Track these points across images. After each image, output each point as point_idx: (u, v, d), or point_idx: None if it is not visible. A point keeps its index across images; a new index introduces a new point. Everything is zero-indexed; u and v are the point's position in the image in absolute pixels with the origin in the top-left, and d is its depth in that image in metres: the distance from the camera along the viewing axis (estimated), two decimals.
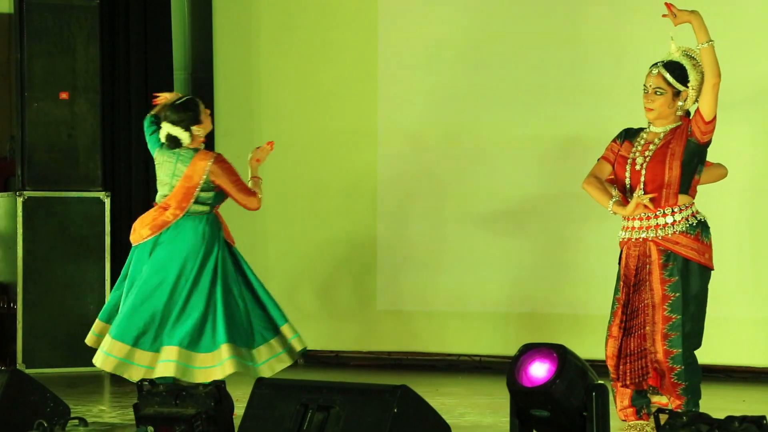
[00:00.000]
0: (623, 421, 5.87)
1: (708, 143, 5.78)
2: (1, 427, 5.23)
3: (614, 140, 5.94)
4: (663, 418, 4.37)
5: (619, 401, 5.86)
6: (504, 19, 9.15)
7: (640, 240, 5.78)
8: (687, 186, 5.77)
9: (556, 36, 8.92)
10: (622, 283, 5.84)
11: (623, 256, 5.85)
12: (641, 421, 5.84)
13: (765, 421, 4.20)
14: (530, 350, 4.90)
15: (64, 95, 9.47)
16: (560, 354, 4.81)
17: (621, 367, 5.79)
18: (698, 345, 5.80)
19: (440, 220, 9.39)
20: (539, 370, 4.82)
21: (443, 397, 7.82)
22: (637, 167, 5.78)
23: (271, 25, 10.03)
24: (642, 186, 5.75)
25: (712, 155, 5.96)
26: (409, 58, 9.44)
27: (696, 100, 5.76)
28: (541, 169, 9.05)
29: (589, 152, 8.84)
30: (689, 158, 5.75)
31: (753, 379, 8.44)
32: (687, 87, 5.76)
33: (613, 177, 5.92)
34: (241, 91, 10.14)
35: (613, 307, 5.88)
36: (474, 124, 9.24)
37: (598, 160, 5.94)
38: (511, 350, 5.03)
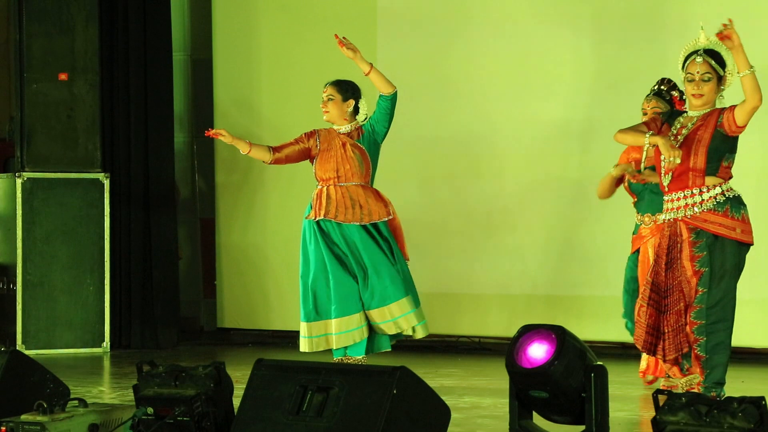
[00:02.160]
0: (668, 379, 6.32)
1: (737, 136, 6.02)
2: (1, 407, 5.23)
3: (658, 116, 6.20)
4: (662, 399, 4.37)
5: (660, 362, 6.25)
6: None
7: (671, 220, 6.03)
8: (714, 169, 5.99)
9: (573, 22, 8.91)
10: (654, 263, 6.09)
11: (657, 238, 6.14)
12: (690, 376, 6.08)
13: (764, 402, 4.21)
14: (529, 331, 4.90)
15: (63, 76, 9.45)
16: (559, 335, 4.81)
17: (659, 344, 6.04)
18: (725, 319, 5.95)
19: (439, 203, 9.39)
20: (538, 352, 4.82)
21: (443, 379, 7.83)
22: None
23: (270, 6, 10.01)
24: (670, 171, 6.00)
25: None
26: (409, 38, 9.44)
27: (729, 84, 6.02)
28: (543, 153, 9.05)
29: (590, 135, 8.88)
30: (716, 146, 5.98)
31: (753, 360, 8.44)
32: (725, 72, 6.03)
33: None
34: (240, 73, 10.12)
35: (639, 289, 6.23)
36: (478, 110, 9.25)
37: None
38: (510, 332, 5.04)
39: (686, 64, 6.06)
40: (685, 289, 6.01)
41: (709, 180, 5.99)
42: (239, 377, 5.59)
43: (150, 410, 5.07)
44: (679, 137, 6.04)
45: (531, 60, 9.03)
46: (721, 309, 5.95)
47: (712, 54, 6.04)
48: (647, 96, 7.02)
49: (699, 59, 6.03)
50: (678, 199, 6.03)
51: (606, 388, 4.79)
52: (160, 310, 9.80)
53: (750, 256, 6.08)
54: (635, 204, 7.16)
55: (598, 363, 4.86)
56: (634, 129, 6.13)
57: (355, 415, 4.61)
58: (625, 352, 8.75)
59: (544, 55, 8.98)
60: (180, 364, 5.20)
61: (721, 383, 5.97)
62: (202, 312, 10.58)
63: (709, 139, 5.98)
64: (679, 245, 6.03)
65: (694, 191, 6.00)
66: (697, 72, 6.03)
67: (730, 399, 4.27)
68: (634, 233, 7.19)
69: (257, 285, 10.08)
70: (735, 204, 6.00)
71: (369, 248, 7.39)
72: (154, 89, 9.86)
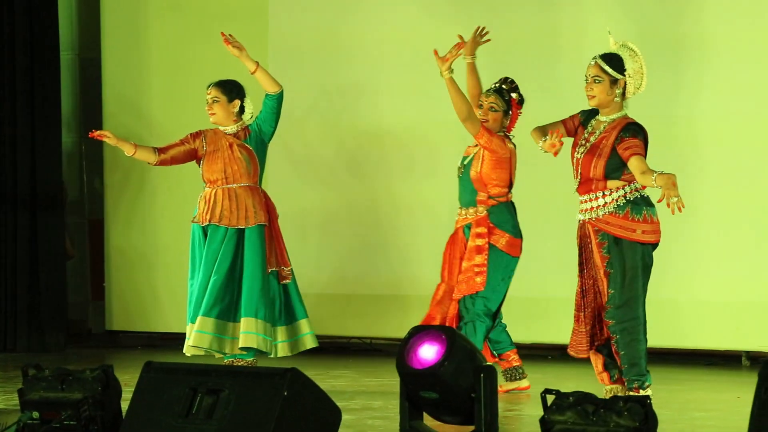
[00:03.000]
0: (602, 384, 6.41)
1: None
2: None
3: (578, 114, 6.44)
4: (550, 398, 4.42)
5: (595, 366, 6.41)
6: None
7: (581, 222, 6.35)
8: (617, 176, 6.26)
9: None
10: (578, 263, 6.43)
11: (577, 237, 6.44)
12: (615, 386, 6.35)
13: (649, 401, 4.27)
14: (419, 333, 4.93)
15: None
16: (449, 336, 4.84)
17: (590, 338, 6.37)
18: (635, 317, 6.24)
19: (329, 203, 9.38)
20: (428, 353, 4.85)
21: (334, 380, 7.83)
22: (578, 155, 6.33)
23: (160, 4, 9.93)
24: (578, 174, 6.31)
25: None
26: (300, 35, 9.43)
27: (636, 88, 6.27)
28: (437, 147, 9.08)
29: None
30: (614, 161, 6.24)
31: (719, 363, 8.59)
32: (624, 75, 6.26)
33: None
34: (129, 72, 10.02)
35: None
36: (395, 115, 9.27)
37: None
38: (402, 333, 5.05)
39: (586, 67, 6.33)
40: (601, 288, 6.30)
41: (612, 183, 6.27)
42: (128, 380, 5.53)
43: (36, 414, 5.00)
44: (587, 144, 6.31)
45: (424, 38, 9.02)
46: (629, 308, 6.24)
47: (607, 58, 6.27)
48: (487, 90, 7.09)
49: (592, 62, 6.30)
50: (585, 201, 6.32)
51: (495, 389, 4.83)
52: (46, 313, 9.67)
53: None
54: None
55: (488, 364, 4.90)
56: (541, 128, 6.38)
57: (246, 417, 4.59)
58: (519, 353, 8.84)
59: (436, 34, 9.01)
60: (67, 368, 5.14)
61: (642, 374, 6.26)
62: (90, 314, 10.46)
63: (608, 153, 6.25)
64: (589, 246, 6.33)
65: (598, 194, 6.28)
66: (589, 74, 6.29)
67: (617, 398, 4.33)
68: None
69: (146, 287, 9.99)
70: (637, 205, 6.25)
71: (250, 254, 7.37)
72: (40, 89, 9.72)
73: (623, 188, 6.26)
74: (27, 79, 9.66)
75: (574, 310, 6.42)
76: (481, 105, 7.04)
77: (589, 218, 6.30)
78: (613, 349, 6.29)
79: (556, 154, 6.25)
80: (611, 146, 6.23)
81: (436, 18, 8.97)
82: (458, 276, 7.00)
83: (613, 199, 6.25)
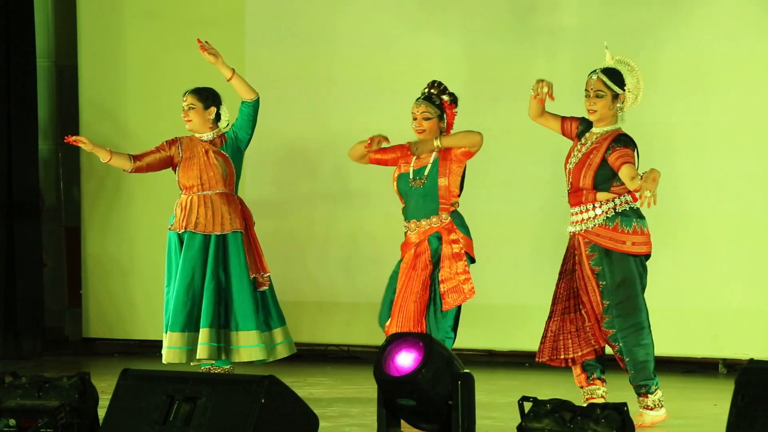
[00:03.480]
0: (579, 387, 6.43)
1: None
2: None
3: (577, 121, 6.49)
4: (527, 406, 4.43)
5: (573, 368, 6.43)
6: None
7: (572, 233, 6.42)
8: (606, 188, 6.35)
9: (442, 27, 8.98)
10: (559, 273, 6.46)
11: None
12: (592, 386, 6.40)
13: (626, 408, 4.29)
14: (397, 340, 4.93)
15: None
16: (426, 343, 4.85)
17: (554, 343, 6.38)
18: (636, 323, 6.33)
19: (304, 210, 9.38)
20: (406, 360, 4.85)
21: (311, 387, 7.83)
22: (570, 165, 6.41)
23: (137, 12, 9.91)
24: (570, 185, 6.39)
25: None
26: (276, 42, 9.43)
27: (634, 102, 6.39)
28: None
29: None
30: (603, 172, 6.32)
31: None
32: (624, 90, 6.36)
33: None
34: (106, 79, 10.00)
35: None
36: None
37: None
38: (379, 340, 5.06)
39: (586, 81, 6.40)
40: (592, 299, 6.35)
41: (601, 195, 6.35)
42: (105, 388, 5.52)
43: (12, 422, 4.98)
44: (578, 155, 6.39)
45: (400, 64, 9.06)
46: (628, 316, 6.32)
47: (609, 72, 6.36)
48: (417, 99, 7.03)
49: (594, 76, 6.37)
50: (575, 213, 6.39)
51: (473, 396, 4.84)
52: (23, 320, 9.62)
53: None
54: (403, 210, 7.11)
55: (465, 371, 4.90)
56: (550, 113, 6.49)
57: (223, 424, 4.59)
58: (492, 360, 8.85)
59: (413, 60, 9.03)
60: (44, 375, 5.13)
61: (649, 379, 6.31)
62: (66, 321, 10.42)
63: (597, 164, 6.33)
64: (576, 257, 6.38)
65: (588, 206, 6.35)
66: (592, 88, 6.36)
67: (594, 405, 4.35)
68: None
69: (123, 294, 9.97)
70: (627, 217, 6.33)
71: (235, 264, 7.38)
72: (17, 96, 9.68)
73: (613, 200, 6.33)
74: (3, 87, 9.62)
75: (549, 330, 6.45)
76: (415, 117, 6.98)
77: (579, 230, 6.36)
78: (617, 357, 6.34)
79: (537, 98, 6.32)
80: (601, 157, 6.31)
81: (414, 23, 9.00)
82: (439, 287, 6.87)
83: (603, 212, 6.31)
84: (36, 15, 9.91)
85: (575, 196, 6.37)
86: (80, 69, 10.04)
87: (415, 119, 6.97)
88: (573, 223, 6.41)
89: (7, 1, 9.67)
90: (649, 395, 6.29)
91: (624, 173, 6.19)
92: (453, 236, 6.90)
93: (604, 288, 6.31)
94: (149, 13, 9.87)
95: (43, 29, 10.26)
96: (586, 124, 6.47)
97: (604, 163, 6.30)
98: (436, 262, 6.88)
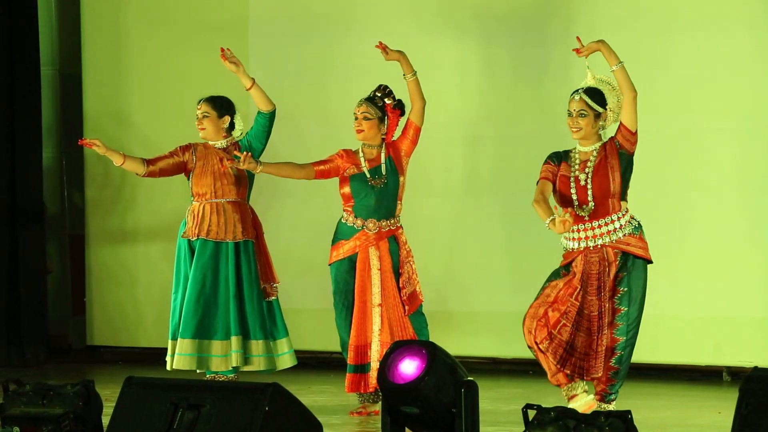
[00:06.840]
0: (556, 386, 6.43)
1: (634, 153, 6.46)
2: None
3: (548, 162, 6.54)
4: (531, 413, 4.43)
5: (547, 368, 6.42)
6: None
7: (599, 246, 6.41)
8: (625, 193, 6.46)
9: (457, 28, 8.98)
10: (581, 287, 6.39)
11: (580, 262, 6.41)
12: (575, 383, 6.43)
13: (630, 416, 4.29)
14: (400, 347, 4.94)
15: None
16: (430, 351, 4.85)
17: (582, 363, 6.37)
18: (635, 335, 6.45)
19: (303, 216, 9.38)
20: (409, 367, 4.86)
21: (315, 395, 7.83)
22: (582, 183, 6.42)
23: (141, 19, 9.93)
24: (591, 198, 6.38)
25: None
26: (280, 48, 9.44)
27: (615, 120, 6.48)
28: (421, 161, 9.09)
29: (478, 143, 8.93)
30: (625, 168, 6.44)
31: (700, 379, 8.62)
32: (606, 109, 6.48)
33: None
34: (110, 87, 10.02)
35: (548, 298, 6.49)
36: None
37: (539, 181, 6.49)
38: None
39: (569, 101, 6.49)
40: (605, 305, 6.42)
41: (623, 204, 6.45)
42: (109, 395, 5.52)
43: (16, 429, 4.99)
44: (586, 170, 6.43)
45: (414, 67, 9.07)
46: (636, 326, 6.42)
47: (591, 92, 6.46)
48: (360, 100, 7.08)
49: (576, 97, 6.46)
50: (601, 226, 6.41)
51: (476, 403, 4.84)
52: (26, 328, 9.64)
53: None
54: (354, 207, 7.06)
55: (469, 378, 4.90)
56: (545, 204, 6.37)
57: None
58: (496, 367, 8.85)
59: (427, 63, 9.03)
60: (48, 383, 5.13)
61: (618, 388, 6.43)
62: (70, 329, 10.43)
63: (618, 163, 6.42)
64: (607, 269, 6.42)
65: (614, 217, 6.41)
66: (574, 109, 6.45)
67: (598, 413, 4.35)
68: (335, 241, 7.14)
69: (127, 302, 9.97)
70: (640, 225, 6.47)
71: (246, 274, 7.41)
72: (21, 104, 9.70)
73: (628, 209, 6.45)
74: (7, 95, 9.64)
75: (556, 331, 6.41)
76: (356, 117, 7.04)
77: (609, 241, 6.39)
78: (607, 364, 6.35)
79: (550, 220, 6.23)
80: (617, 157, 6.39)
81: (429, 29, 9.00)
82: (402, 292, 6.97)
83: (627, 221, 6.42)
84: (40, 23, 9.93)
85: (601, 208, 6.39)
86: (84, 76, 10.06)
87: (356, 119, 7.02)
88: (599, 236, 6.39)
89: (11, 9, 9.70)
90: (612, 404, 6.42)
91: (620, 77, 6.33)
92: (405, 238, 7.03)
93: (623, 295, 6.37)
94: (153, 20, 9.88)
95: (47, 37, 10.27)
96: (558, 154, 6.51)
97: (623, 159, 6.38)
98: (397, 267, 6.97)
